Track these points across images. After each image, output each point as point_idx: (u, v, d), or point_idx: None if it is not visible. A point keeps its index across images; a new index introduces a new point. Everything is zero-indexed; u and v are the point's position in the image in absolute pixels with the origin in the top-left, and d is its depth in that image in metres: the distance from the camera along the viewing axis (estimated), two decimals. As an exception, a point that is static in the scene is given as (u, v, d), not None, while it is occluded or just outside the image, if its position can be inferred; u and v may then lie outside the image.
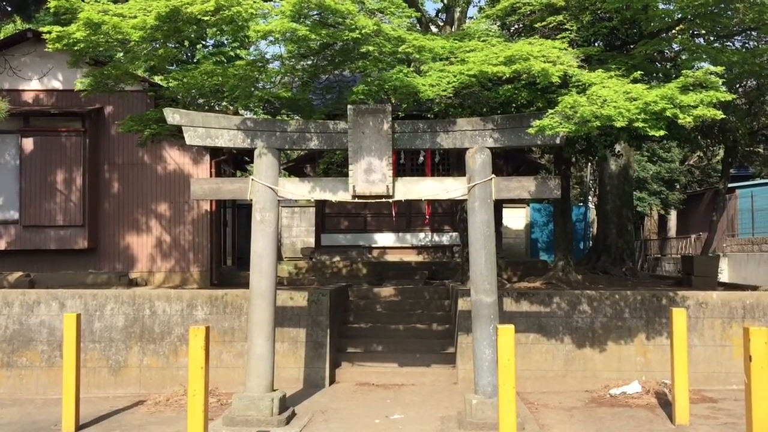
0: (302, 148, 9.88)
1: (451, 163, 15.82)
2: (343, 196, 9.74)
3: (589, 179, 26.23)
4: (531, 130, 8.72)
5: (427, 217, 19.79)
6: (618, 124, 8.25)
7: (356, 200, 9.69)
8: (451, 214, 20.08)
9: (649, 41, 10.29)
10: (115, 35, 9.62)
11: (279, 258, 24.47)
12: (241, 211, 22.62)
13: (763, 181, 29.88)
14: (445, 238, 20.20)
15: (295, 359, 11.80)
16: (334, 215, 20.42)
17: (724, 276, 24.84)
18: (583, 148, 14.03)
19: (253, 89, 11.27)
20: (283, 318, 11.71)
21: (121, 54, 11.58)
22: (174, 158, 16.70)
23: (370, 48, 9.34)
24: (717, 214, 16.33)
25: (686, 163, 27.48)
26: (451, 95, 9.93)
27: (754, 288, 14.33)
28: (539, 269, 17.85)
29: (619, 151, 16.75)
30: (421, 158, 18.37)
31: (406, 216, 20.21)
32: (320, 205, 20.46)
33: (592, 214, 29.12)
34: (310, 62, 13.45)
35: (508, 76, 8.81)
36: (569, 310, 11.75)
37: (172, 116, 9.69)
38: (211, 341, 11.65)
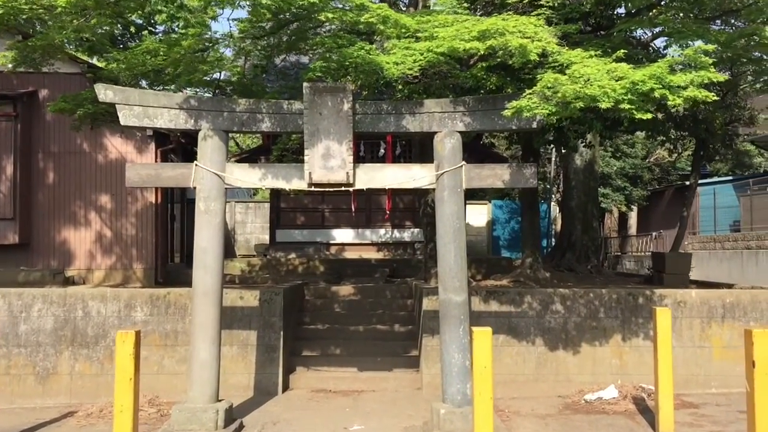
0: (252, 130, 8.87)
1: (414, 155, 14.94)
2: (298, 184, 8.78)
3: (552, 174, 25.69)
4: (507, 112, 7.88)
5: (388, 212, 18.90)
6: (603, 105, 7.47)
7: (313, 189, 8.74)
8: (413, 209, 19.24)
9: (630, 19, 9.55)
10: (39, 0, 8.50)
11: (232, 255, 23.36)
12: (191, 205, 21.35)
13: (724, 178, 29.81)
14: (407, 234, 19.35)
15: (245, 364, 10.78)
16: (289, 210, 19.40)
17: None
18: (554, 138, 13.30)
19: (198, 68, 10.23)
20: (231, 319, 10.69)
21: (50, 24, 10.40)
22: (116, 146, 15.48)
23: (330, 15, 8.40)
24: (687, 209, 15.81)
25: (647, 160, 27.16)
26: (417, 74, 9.07)
27: (729, 286, 13.80)
28: (504, 267, 17.11)
29: (590, 142, 16.09)
30: (382, 150, 17.47)
31: (366, 211, 19.30)
32: (275, 199, 19.42)
33: (555, 211, 28.65)
34: (264, 43, 12.46)
35: (482, 53, 7.96)
36: (541, 309, 10.99)
37: (105, 93, 8.60)
38: (152, 345, 10.57)
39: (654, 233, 30.44)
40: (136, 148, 15.52)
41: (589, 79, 7.59)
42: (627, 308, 10.96)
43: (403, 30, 9.31)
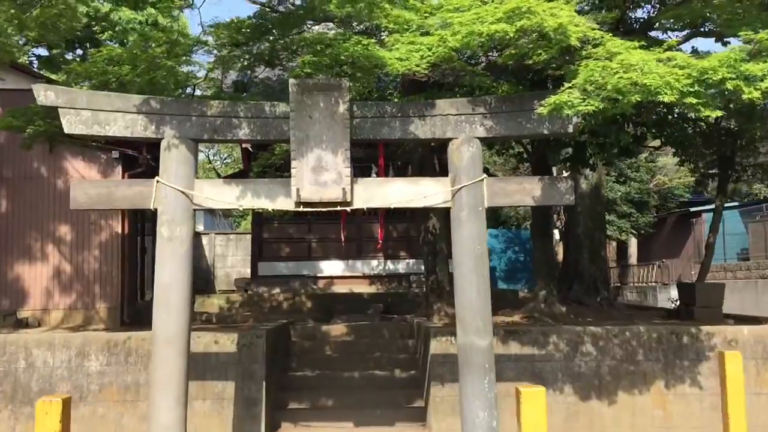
0: (227, 138, 7.26)
1: (413, 173, 13.37)
2: (284, 203, 7.16)
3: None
4: (542, 110, 6.35)
5: (381, 241, 17.26)
6: (666, 99, 5.98)
7: (301, 209, 7.11)
8: (408, 238, 17.64)
9: (679, 5, 8.12)
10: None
11: (211, 291, 21.56)
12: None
13: (731, 204, 28.51)
14: (401, 266, 17.71)
15: (220, 421, 9.04)
16: (273, 240, 17.72)
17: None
18: (572, 156, 11.82)
19: (169, 79, 8.70)
20: (204, 369, 8.97)
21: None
22: (78, 170, 13.79)
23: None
24: (713, 235, 14.32)
25: (647, 186, 25.85)
26: (425, 73, 7.52)
27: (772, 320, 12.25)
28: (510, 301, 15.47)
29: (594, 163, 14.60)
30: (373, 175, 15.91)
31: (357, 241, 17.66)
32: (257, 229, 17.74)
33: (555, 238, 27.13)
34: (244, 50, 10.96)
35: (510, 36, 6.43)
36: (569, 351, 9.37)
37: (45, 94, 6.98)
38: (109, 401, 8.83)
39: (656, 263, 29.01)
40: (101, 172, 13.83)
41: (643, 69, 6.10)
42: (670, 349, 9.38)
43: (408, 20, 7.87)
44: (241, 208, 7.17)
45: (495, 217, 26.60)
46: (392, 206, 7.19)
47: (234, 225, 36.67)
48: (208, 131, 7.17)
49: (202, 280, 24.29)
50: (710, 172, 15.07)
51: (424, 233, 12.98)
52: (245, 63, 11.71)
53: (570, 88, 6.36)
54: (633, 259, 31.97)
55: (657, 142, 13.28)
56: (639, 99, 6.04)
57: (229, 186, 7.25)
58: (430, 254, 12.89)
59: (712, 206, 28.59)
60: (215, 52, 11.43)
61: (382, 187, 7.27)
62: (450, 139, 7.18)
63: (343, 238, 17.08)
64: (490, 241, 28.46)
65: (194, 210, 7.18)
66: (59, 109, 7.00)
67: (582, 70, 6.37)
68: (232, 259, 27.49)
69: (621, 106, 6.20)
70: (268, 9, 12.08)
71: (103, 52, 9.70)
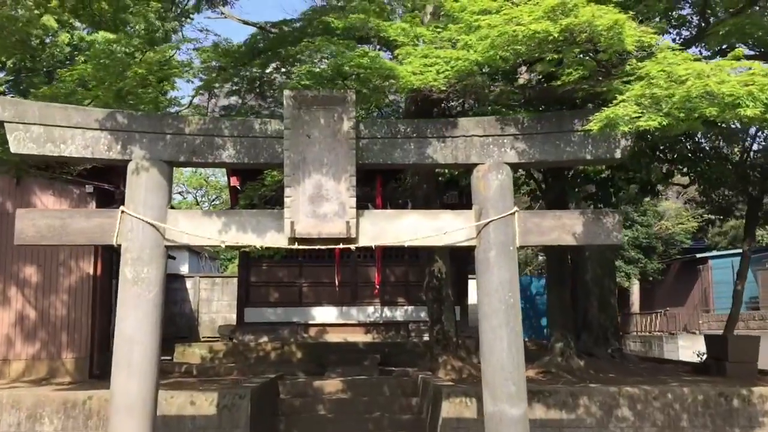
0: (208, 162, 6.07)
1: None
2: (275, 239, 5.93)
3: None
4: (592, 126, 5.21)
5: (378, 286, 16.03)
6: (747, 112, 4.85)
7: (297, 247, 5.89)
8: (406, 283, 16.39)
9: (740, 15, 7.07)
10: None
11: (195, 339, 20.13)
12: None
13: (735, 250, 27.44)
14: (399, 313, 16.40)
15: (195, 499, 7.63)
16: (261, 284, 16.40)
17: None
18: (595, 193, 10.72)
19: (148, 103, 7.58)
20: (177, 435, 7.61)
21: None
22: (47, 206, 12.51)
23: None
24: (740, 282, 13.13)
25: (653, 230, 24.81)
26: (443, 89, 6.40)
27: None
28: (519, 352, 14.14)
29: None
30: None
31: (352, 285, 16.38)
32: (243, 272, 16.44)
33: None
34: (231, 72, 9.89)
35: (555, 36, 5.32)
36: (603, 416, 8.09)
37: (-11, 106, 5.80)
38: (63, 474, 7.44)
39: (659, 311, 27.79)
40: (73, 208, 12.56)
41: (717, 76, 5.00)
42: (718, 414, 8.12)
43: (419, 34, 6.82)
44: (223, 245, 5.94)
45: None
46: (406, 244, 5.97)
47: (221, 268, 35.27)
48: (186, 152, 5.97)
49: (185, 326, 22.86)
50: (718, 217, 13.94)
51: (428, 278, 11.75)
52: (234, 88, 10.65)
53: (626, 100, 5.24)
54: (635, 307, 30.72)
55: (685, 180, 12.20)
56: (714, 113, 4.92)
57: (209, 218, 6.02)
58: (435, 301, 11.65)
59: (721, 252, 27.63)
60: (201, 76, 10.38)
61: (393, 221, 6.06)
62: (475, 165, 6.01)
63: (337, 283, 15.86)
64: (489, 286, 27.07)
65: (167, 247, 5.94)
66: (6, 125, 5.81)
67: (644, 72, 5.25)
68: (217, 304, 26.05)
69: (689, 122, 5.08)
70: (262, 30, 11.06)
71: (72, 72, 8.61)
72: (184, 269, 26.67)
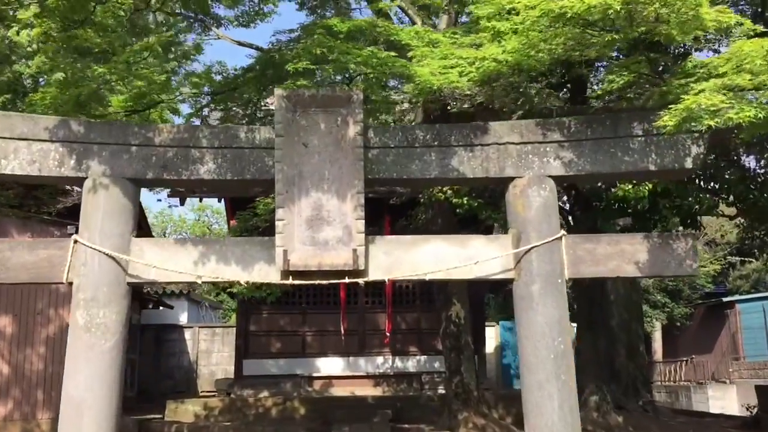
0: (182, 178, 4.95)
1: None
2: (265, 273, 4.77)
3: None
4: (667, 120, 4.08)
5: (387, 334, 14.74)
6: None
7: (291, 282, 4.71)
8: (418, 330, 15.09)
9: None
10: None
11: (193, 393, 18.78)
12: (143, 331, 17.18)
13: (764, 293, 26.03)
14: (411, 364, 15.04)
15: None
16: (261, 333, 15.12)
17: (732, 408, 20.24)
18: (624, 228, 9.55)
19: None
20: None
21: None
22: (25, 249, 11.40)
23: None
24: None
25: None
26: (467, 93, 5.31)
27: None
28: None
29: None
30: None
31: (359, 334, 15.08)
32: (242, 320, 15.19)
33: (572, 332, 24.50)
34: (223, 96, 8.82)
35: (618, 10, 4.21)
36: (662, 486, 6.72)
37: None
38: None
39: (684, 359, 26.27)
40: (15, 240, 11.46)
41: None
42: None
43: (434, 39, 5.81)
44: (200, 281, 4.78)
45: (505, 304, 24.24)
46: (427, 277, 4.80)
47: (224, 318, 33.92)
48: (155, 167, 4.85)
49: (182, 380, 21.60)
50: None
51: (445, 324, 10.51)
52: (229, 114, 9.61)
53: (701, 92, 4.12)
54: (658, 354, 29.16)
55: (731, 211, 11.00)
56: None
57: (183, 248, 4.86)
58: (453, 350, 10.38)
59: (749, 296, 26.20)
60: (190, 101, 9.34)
61: (411, 249, 4.88)
62: (511, 179, 4.88)
63: (342, 331, 14.59)
64: (504, 334, 25.86)
65: (130, 284, 4.78)
66: (-66, 136, 4.73)
67: (721, 60, 4.15)
68: (217, 356, 24.73)
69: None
70: (258, 51, 10.08)
71: (42, 96, 7.57)
72: (183, 319, 25.44)
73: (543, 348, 4.58)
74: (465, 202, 8.95)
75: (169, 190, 13.29)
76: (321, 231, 4.65)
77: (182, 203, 15.99)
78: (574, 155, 4.83)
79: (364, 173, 4.70)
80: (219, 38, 10.93)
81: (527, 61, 4.99)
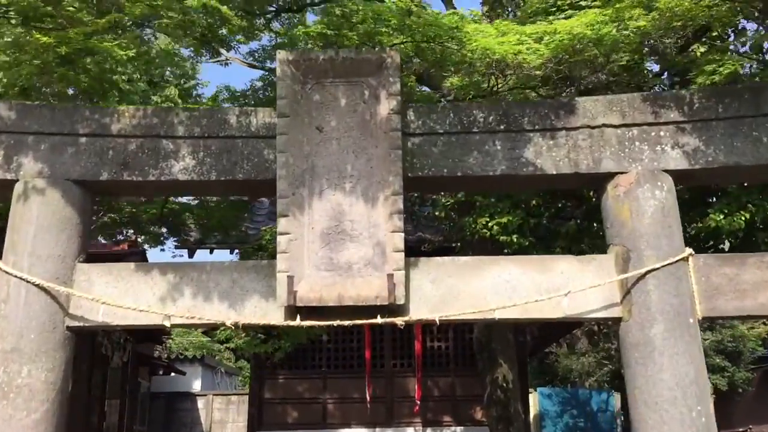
0: (148, 179, 3.54)
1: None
2: (262, 311, 3.32)
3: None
4: None
5: (418, 402, 13.08)
6: None
7: (299, 322, 3.25)
8: (453, 397, 13.45)
9: None
10: None
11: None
12: (144, 395, 15.69)
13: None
14: (446, 436, 13.36)
15: None
16: (277, 401, 13.53)
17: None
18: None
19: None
20: None
21: None
22: None
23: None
24: None
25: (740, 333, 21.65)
26: (538, 73, 3.95)
27: None
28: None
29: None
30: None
31: (386, 401, 13.43)
32: (256, 385, 13.64)
33: (617, 400, 22.55)
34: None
35: None
36: None
37: None
38: None
39: (742, 429, 24.06)
40: None
41: None
42: None
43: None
44: (168, 325, 3.32)
45: (542, 369, 22.48)
46: (496, 317, 3.31)
47: (242, 385, 32.19)
48: (112, 165, 3.48)
49: (192, 454, 20.09)
50: None
51: (490, 389, 8.86)
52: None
53: None
54: (710, 423, 26.96)
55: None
56: None
57: (146, 277, 3.43)
58: (501, 420, 8.70)
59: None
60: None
61: (470, 275, 3.40)
62: (611, 176, 3.44)
63: (368, 398, 13.00)
64: (543, 401, 23.89)
65: (72, 329, 3.36)
66: None
67: None
68: (232, 426, 23.08)
69: None
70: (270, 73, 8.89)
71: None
72: (197, 386, 23.88)
73: (675, 421, 3.04)
74: (515, 240, 7.42)
75: (176, 241, 11.95)
76: (342, 249, 3.22)
77: (191, 255, 14.64)
78: (700, 141, 3.39)
79: (401, 170, 3.29)
80: (227, 61, 9.79)
81: (612, 35, 3.67)
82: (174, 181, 3.47)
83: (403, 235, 3.22)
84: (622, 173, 3.41)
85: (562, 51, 3.93)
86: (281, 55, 3.34)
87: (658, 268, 3.23)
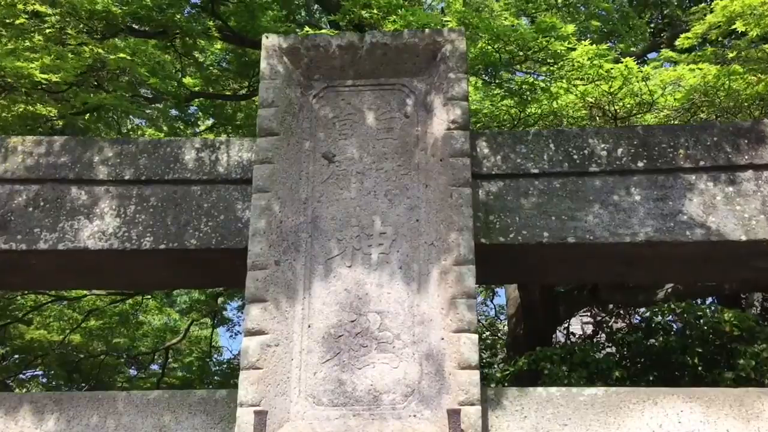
0: (35, 247, 2.09)
1: None
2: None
3: None
4: None
5: None
6: None
7: None
8: None
9: None
10: None
11: None
12: None
13: None
14: None
15: None
16: None
17: None
18: None
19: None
20: None
21: None
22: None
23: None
24: None
25: None
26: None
27: None
28: None
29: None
30: None
31: None
32: None
33: None
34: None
35: None
36: None
37: None
38: None
39: None
40: None
41: None
42: None
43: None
44: None
45: None
46: None
47: None
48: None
49: None
50: None
51: None
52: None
53: None
54: None
55: None
56: None
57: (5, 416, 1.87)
58: None
59: None
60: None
61: (606, 422, 1.78)
62: None
63: None
64: None
65: None
66: None
67: None
68: None
69: None
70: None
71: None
72: None
73: None
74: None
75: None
76: (362, 366, 1.70)
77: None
78: None
79: (472, 230, 1.82)
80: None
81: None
82: (79, 251, 2.02)
83: (476, 338, 1.68)
84: None
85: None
86: (270, 41, 2.02)
87: None
